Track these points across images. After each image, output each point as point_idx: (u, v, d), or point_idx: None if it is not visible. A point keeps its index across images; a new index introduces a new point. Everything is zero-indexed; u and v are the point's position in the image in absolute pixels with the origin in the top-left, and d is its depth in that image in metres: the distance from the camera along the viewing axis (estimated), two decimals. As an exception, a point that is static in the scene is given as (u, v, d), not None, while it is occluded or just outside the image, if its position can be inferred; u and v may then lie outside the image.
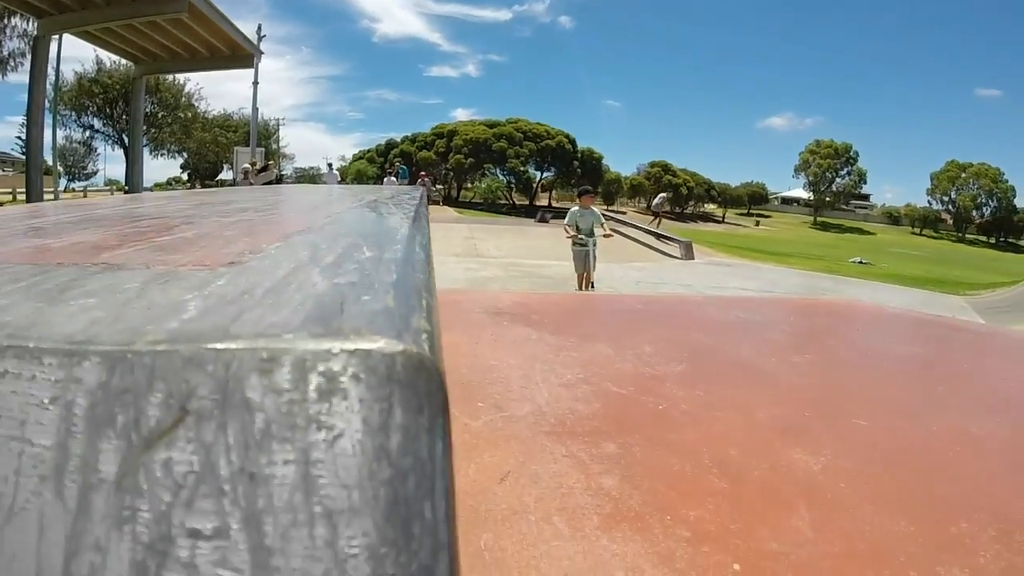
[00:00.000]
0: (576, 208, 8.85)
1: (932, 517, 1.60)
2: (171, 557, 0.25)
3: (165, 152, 51.29)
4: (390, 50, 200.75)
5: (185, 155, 53.30)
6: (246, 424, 0.26)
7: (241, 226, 0.89)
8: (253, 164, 14.42)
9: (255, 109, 21.86)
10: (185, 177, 58.44)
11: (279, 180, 13.95)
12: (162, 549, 0.25)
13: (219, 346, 0.27)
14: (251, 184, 12.75)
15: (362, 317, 0.31)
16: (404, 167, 36.00)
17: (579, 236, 8.55)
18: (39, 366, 0.27)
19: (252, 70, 15.14)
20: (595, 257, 8.72)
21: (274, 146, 50.33)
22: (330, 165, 37.59)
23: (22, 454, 0.26)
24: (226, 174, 57.62)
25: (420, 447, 0.27)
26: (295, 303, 0.34)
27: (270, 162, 16.61)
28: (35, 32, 9.76)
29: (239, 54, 11.81)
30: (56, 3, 9.03)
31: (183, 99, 47.98)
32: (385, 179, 29.97)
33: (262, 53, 11.81)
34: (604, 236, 8.97)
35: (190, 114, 49.74)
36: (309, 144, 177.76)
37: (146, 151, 50.83)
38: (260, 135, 51.80)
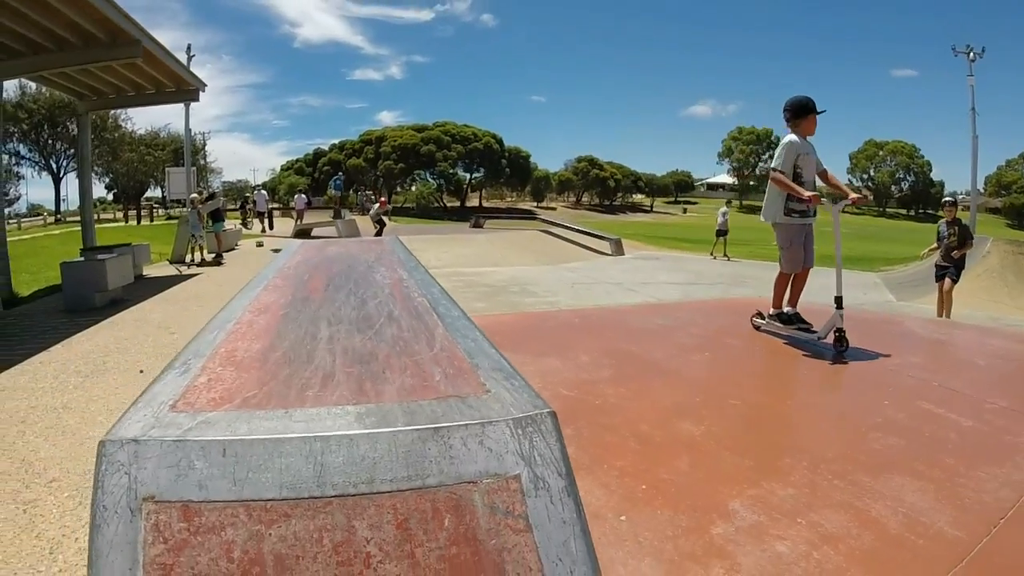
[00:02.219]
0: None
1: (767, 457, 2.69)
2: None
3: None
4: (312, 55, 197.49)
5: (110, 176, 52.29)
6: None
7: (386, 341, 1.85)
8: (200, 194, 15.06)
9: (188, 130, 22.00)
10: (111, 198, 57.27)
11: (210, 199, 14.65)
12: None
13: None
14: (199, 213, 13.38)
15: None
16: (339, 180, 36.26)
17: None
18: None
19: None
20: None
21: (202, 162, 49.70)
22: (258, 187, 37.65)
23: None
24: (153, 191, 56.61)
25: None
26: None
27: (215, 192, 17.28)
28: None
29: (184, 88, 12.16)
30: (7, 49, 9.23)
31: (109, 120, 47.02)
32: (296, 196, 30.16)
33: (205, 85, 12.26)
34: None
35: (117, 135, 48.73)
36: (235, 155, 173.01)
37: (71, 175, 49.48)
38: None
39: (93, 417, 3.96)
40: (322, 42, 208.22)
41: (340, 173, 45.03)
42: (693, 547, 1.93)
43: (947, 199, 9.74)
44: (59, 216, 41.24)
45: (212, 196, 14.86)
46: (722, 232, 20.32)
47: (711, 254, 20.19)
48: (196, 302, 8.12)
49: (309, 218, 25.35)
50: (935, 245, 9.22)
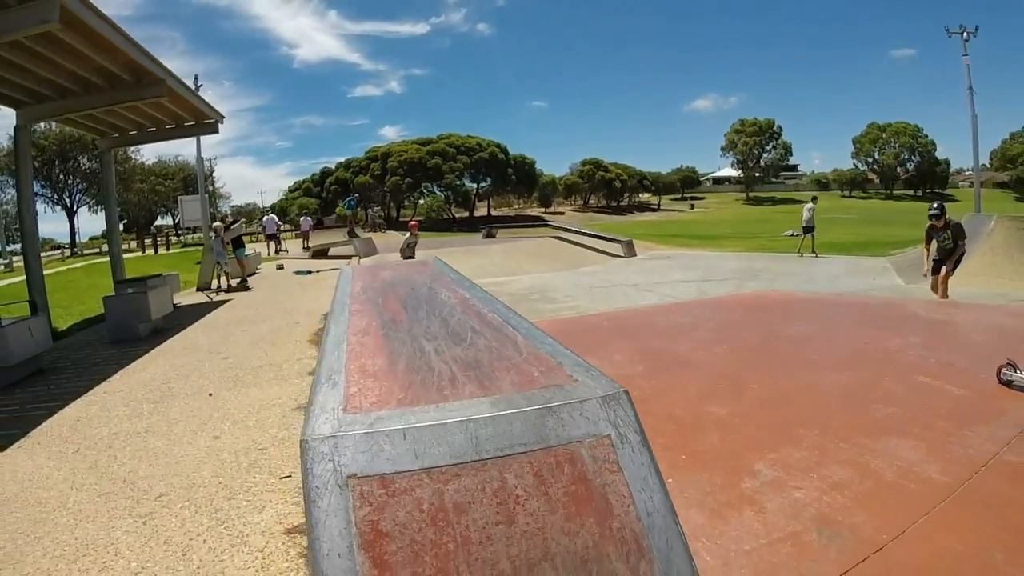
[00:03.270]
0: None
1: (783, 429, 3.16)
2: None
3: (96, 207, 51.41)
4: (311, 75, 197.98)
5: (121, 207, 53.38)
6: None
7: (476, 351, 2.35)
8: (224, 220, 15.66)
9: (200, 159, 22.66)
10: (121, 228, 58.41)
11: (231, 226, 15.21)
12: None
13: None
14: (223, 240, 13.92)
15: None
16: (352, 200, 36.81)
17: None
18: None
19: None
20: None
21: (211, 188, 50.63)
22: (267, 210, 38.30)
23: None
24: (164, 219, 57.62)
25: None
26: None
27: (238, 218, 17.84)
28: (15, 123, 10.34)
29: (204, 121, 12.58)
30: (35, 94, 9.58)
31: (120, 153, 48.07)
32: (302, 219, 30.89)
33: (223, 117, 12.70)
34: None
35: (127, 166, 49.64)
36: (241, 179, 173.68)
37: (85, 208, 50.75)
38: (197, 179, 52.22)
39: (179, 438, 4.25)
40: (320, 61, 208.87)
41: (355, 194, 45.70)
42: (728, 498, 2.42)
43: (932, 211, 9.69)
44: (76, 249, 42.11)
45: (234, 223, 15.41)
46: (808, 228, 20.04)
47: (798, 252, 19.77)
48: (238, 327, 8.53)
49: (322, 238, 25.93)
50: (926, 251, 9.47)
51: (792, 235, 34.32)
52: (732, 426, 3.20)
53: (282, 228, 32.05)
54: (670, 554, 1.46)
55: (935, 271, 9.43)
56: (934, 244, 9.18)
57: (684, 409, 3.41)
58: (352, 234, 25.01)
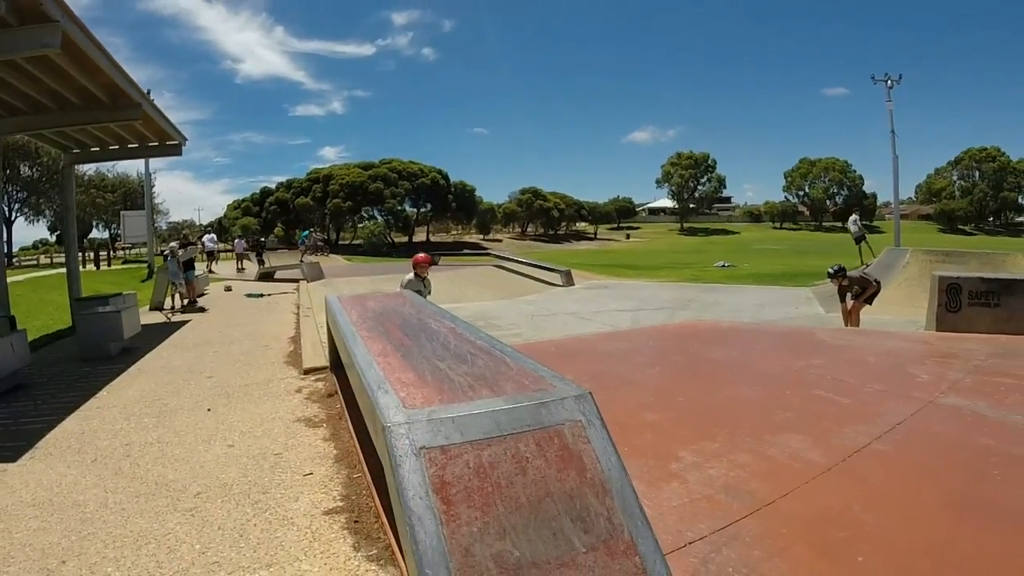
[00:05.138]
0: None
1: (702, 429, 4.08)
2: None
3: (33, 217, 50.07)
4: (254, 91, 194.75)
5: (52, 217, 52.07)
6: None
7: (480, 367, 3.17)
8: (181, 241, 16.09)
9: (148, 174, 22.80)
10: (53, 239, 56.92)
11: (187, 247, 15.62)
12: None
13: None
14: (178, 261, 14.29)
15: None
16: (307, 232, 37.96)
17: None
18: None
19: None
20: None
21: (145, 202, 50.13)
22: (208, 229, 38.38)
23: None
24: (100, 233, 56.28)
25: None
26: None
27: (191, 241, 18.14)
28: None
29: (167, 142, 12.77)
30: (8, 106, 9.48)
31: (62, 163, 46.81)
32: (236, 241, 31.48)
33: (187, 140, 12.97)
34: None
35: None
36: (178, 194, 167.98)
37: (21, 218, 49.44)
38: (136, 193, 51.31)
39: (193, 447, 4.65)
40: (264, 78, 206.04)
41: (311, 229, 46.36)
42: (660, 475, 3.30)
43: (829, 272, 11.17)
44: (15, 260, 40.67)
45: (187, 245, 15.78)
46: (860, 238, 21.42)
47: (868, 258, 20.82)
48: (208, 348, 8.96)
49: (274, 260, 26.76)
50: (843, 306, 10.81)
51: (724, 266, 36.09)
52: (663, 428, 4.10)
53: (218, 249, 32.47)
54: (623, 492, 2.31)
55: (841, 299, 10.76)
56: (848, 298, 10.53)
57: (625, 416, 4.27)
58: (303, 258, 25.93)
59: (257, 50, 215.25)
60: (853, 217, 22.69)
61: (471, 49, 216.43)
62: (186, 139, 13.23)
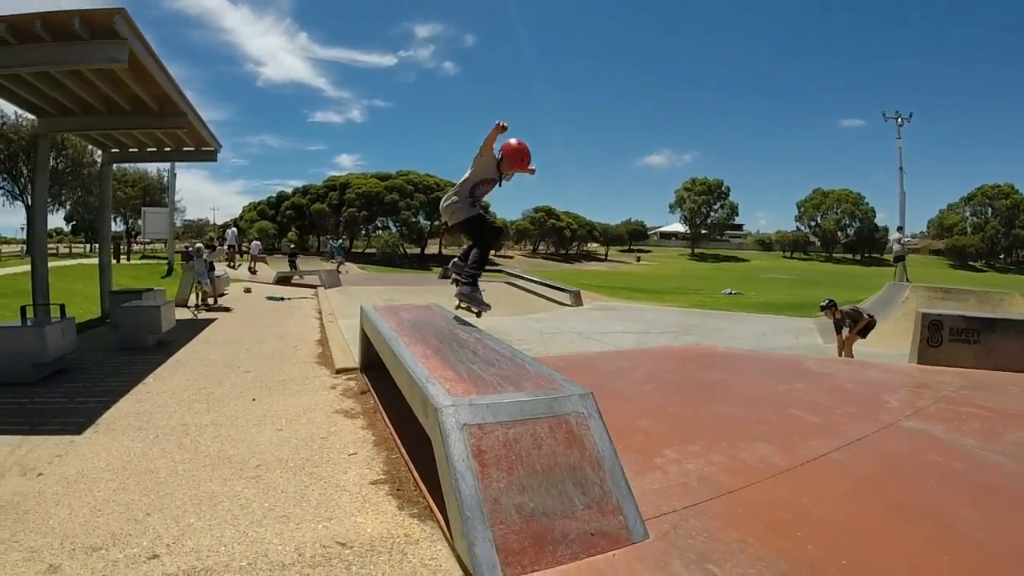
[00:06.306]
0: None
1: (686, 436, 4.82)
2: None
3: (52, 207, 51.08)
4: (274, 95, 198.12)
5: (69, 207, 53.17)
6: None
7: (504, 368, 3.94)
8: (208, 240, 16.90)
9: (173, 174, 23.73)
10: (68, 229, 58.07)
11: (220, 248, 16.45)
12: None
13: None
14: (205, 260, 15.09)
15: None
16: (338, 243, 39.47)
17: None
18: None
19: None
20: None
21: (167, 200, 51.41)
22: (229, 225, 39.96)
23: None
24: (117, 227, 57.44)
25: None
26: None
27: (214, 245, 18.99)
28: (35, 130, 10.81)
29: (204, 149, 13.40)
30: (61, 107, 9.99)
31: (87, 156, 47.74)
32: (252, 244, 33.06)
33: (222, 146, 13.60)
34: None
35: (93, 169, 49.54)
36: (194, 193, 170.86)
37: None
38: (155, 189, 52.50)
39: (246, 430, 5.21)
40: (285, 82, 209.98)
41: (342, 239, 47.69)
42: (646, 466, 4.03)
43: (821, 307, 12.19)
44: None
45: (213, 246, 16.61)
46: (900, 258, 21.63)
47: (905, 280, 21.05)
48: (239, 346, 9.61)
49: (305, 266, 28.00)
50: (839, 338, 11.68)
51: (731, 293, 36.74)
52: (652, 433, 4.83)
53: (238, 246, 34.08)
54: (613, 468, 3.08)
55: (837, 331, 11.55)
56: (844, 331, 11.33)
57: (620, 423, 4.97)
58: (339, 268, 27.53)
59: (280, 55, 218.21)
60: (897, 236, 22.88)
61: (492, 65, 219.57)
62: (221, 146, 13.86)
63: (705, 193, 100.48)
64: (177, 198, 59.62)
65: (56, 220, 59.17)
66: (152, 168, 55.85)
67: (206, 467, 4.36)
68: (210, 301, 15.23)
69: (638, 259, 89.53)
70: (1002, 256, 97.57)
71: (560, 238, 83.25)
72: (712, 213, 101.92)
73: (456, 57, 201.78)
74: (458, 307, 6.05)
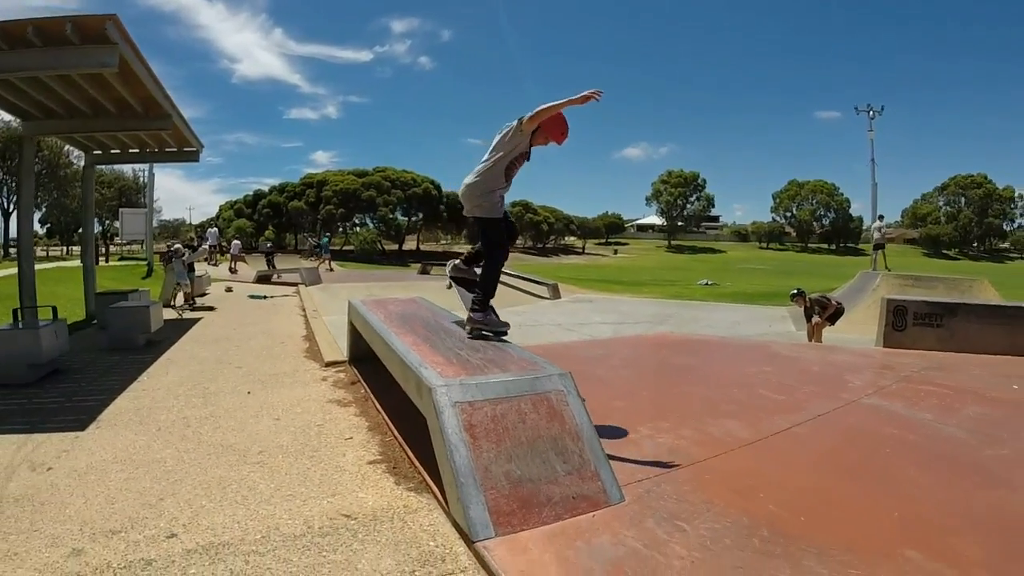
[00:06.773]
0: None
1: (659, 413, 5.19)
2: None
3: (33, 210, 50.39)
4: (249, 92, 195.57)
5: (44, 209, 52.60)
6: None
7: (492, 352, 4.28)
8: (187, 242, 16.98)
9: (151, 175, 23.75)
10: (43, 232, 57.44)
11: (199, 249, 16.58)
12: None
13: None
14: (184, 262, 15.18)
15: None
16: (325, 240, 39.85)
17: None
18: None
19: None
20: None
21: (144, 200, 51.01)
22: (211, 224, 40.28)
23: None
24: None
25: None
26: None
27: (194, 246, 19.06)
28: (15, 133, 10.84)
29: (186, 149, 13.40)
30: (46, 109, 9.99)
31: (63, 158, 47.23)
32: (233, 243, 33.05)
33: (203, 146, 13.62)
34: None
35: (69, 171, 48.84)
36: (169, 192, 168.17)
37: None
38: (131, 190, 52.04)
39: (245, 420, 5.39)
40: (260, 79, 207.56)
41: (328, 236, 47.85)
42: (622, 441, 4.40)
43: (791, 296, 12.75)
44: (11, 252, 41.21)
45: (193, 247, 16.73)
46: (879, 246, 21.77)
47: (881, 268, 21.16)
48: (228, 343, 9.79)
49: (284, 264, 28.06)
50: (808, 326, 12.20)
51: (707, 284, 37.33)
52: (627, 412, 5.18)
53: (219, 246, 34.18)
54: (591, 440, 3.43)
55: (807, 319, 12.03)
56: (815, 318, 11.82)
57: (598, 404, 5.24)
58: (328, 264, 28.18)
59: (255, 51, 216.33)
60: (877, 224, 22.98)
61: (468, 59, 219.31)
62: (203, 146, 13.91)
63: (682, 185, 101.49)
64: (156, 197, 59.59)
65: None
66: (127, 168, 55.45)
67: (211, 455, 4.56)
68: (192, 302, 15.35)
69: (615, 252, 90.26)
70: (975, 244, 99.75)
71: (538, 232, 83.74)
72: (688, 205, 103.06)
73: (432, 52, 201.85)
74: (471, 334, 5.00)
